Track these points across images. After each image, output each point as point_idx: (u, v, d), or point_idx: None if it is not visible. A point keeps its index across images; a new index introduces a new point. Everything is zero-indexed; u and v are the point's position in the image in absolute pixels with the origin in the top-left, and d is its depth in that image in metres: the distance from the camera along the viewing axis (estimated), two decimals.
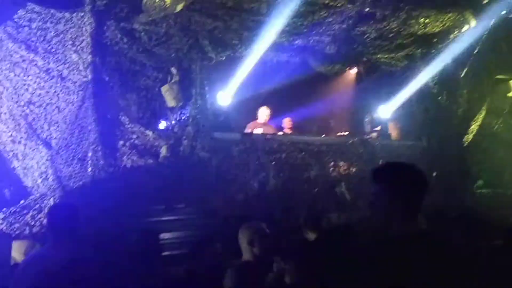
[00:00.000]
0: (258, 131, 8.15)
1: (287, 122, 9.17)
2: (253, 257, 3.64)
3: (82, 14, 6.11)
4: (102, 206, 5.47)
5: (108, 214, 5.49)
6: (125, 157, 5.93)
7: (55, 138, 5.81)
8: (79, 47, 6.01)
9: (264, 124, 8.53)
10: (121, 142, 5.98)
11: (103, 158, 5.76)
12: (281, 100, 9.21)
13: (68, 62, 6.00)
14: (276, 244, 3.88)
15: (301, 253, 3.79)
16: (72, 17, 6.09)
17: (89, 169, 5.74)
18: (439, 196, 6.94)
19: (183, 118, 6.53)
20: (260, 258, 3.61)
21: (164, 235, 6.12)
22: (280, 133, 8.53)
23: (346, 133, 8.69)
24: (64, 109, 5.89)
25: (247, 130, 8.25)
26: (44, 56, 5.98)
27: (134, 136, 6.06)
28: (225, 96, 7.94)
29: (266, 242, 3.70)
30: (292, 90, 9.15)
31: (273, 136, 7.66)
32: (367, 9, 7.46)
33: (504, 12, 8.39)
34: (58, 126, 5.86)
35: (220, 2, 6.79)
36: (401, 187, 2.33)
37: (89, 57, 6.01)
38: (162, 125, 6.56)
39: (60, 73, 5.97)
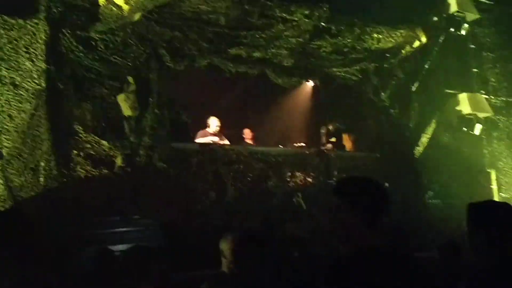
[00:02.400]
0: (207, 139, 8.16)
1: (247, 133, 9.22)
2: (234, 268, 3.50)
3: (37, 21, 5.99)
4: (54, 217, 5.34)
5: (60, 225, 5.36)
6: (79, 167, 5.81)
7: (7, 147, 5.64)
8: (33, 54, 5.88)
9: (214, 134, 8.51)
10: (75, 152, 5.86)
11: (56, 168, 5.63)
12: (239, 111, 9.27)
13: (21, 70, 5.85)
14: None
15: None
16: (26, 24, 5.96)
17: (42, 179, 5.59)
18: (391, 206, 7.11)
19: (139, 127, 6.45)
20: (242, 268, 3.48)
21: (119, 247, 6.03)
22: (225, 142, 8.50)
23: (303, 144, 8.82)
24: (16, 117, 5.73)
25: (197, 138, 8.23)
26: None
27: (89, 146, 5.95)
28: (183, 106, 7.92)
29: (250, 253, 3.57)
30: (250, 101, 9.23)
31: (231, 147, 7.68)
32: (323, 24, 7.63)
33: (452, 29, 8.77)
34: (9, 135, 5.70)
35: (179, 12, 6.80)
36: (361, 200, 2.41)
37: (43, 65, 5.89)
38: (118, 135, 6.46)
39: (12, 80, 5.82)
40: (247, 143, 9.00)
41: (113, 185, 6.05)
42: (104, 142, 6.10)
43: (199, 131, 8.46)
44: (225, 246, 3.47)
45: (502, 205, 2.76)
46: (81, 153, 5.92)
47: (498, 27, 9.63)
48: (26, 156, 5.69)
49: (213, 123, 8.55)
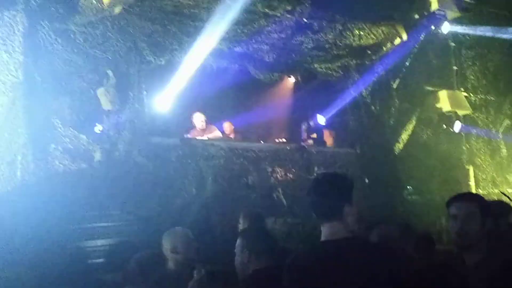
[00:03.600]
0: (206, 135, 8.20)
1: (227, 126, 9.22)
2: (176, 265, 3.55)
3: (15, 13, 5.86)
4: (31, 212, 5.28)
5: (37, 220, 5.30)
6: (56, 161, 5.74)
7: None
8: (10, 46, 5.76)
9: (203, 131, 8.54)
10: (53, 146, 5.78)
11: (33, 162, 5.55)
12: (220, 106, 9.25)
13: (1, 62, 5.74)
14: (202, 250, 3.79)
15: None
16: (4, 15, 5.85)
17: (18, 173, 5.51)
18: (371, 201, 7.20)
19: (119, 122, 6.40)
20: (183, 265, 3.53)
21: (97, 242, 6.00)
22: (218, 136, 8.54)
23: (284, 139, 8.84)
24: None
25: (193, 134, 8.27)
26: None
27: (67, 140, 5.88)
28: (164, 100, 7.87)
29: (190, 249, 3.61)
30: (231, 96, 9.22)
31: (212, 142, 7.67)
32: (305, 20, 7.65)
33: (433, 27, 8.86)
34: None
35: (160, 6, 6.75)
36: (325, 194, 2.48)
37: (21, 57, 5.78)
38: (97, 128, 6.40)
39: None
40: (227, 137, 9.00)
41: (92, 180, 5.99)
42: (82, 136, 6.04)
43: (190, 131, 8.45)
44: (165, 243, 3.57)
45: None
46: (59, 147, 5.85)
47: (478, 25, 9.73)
48: (3, 150, 5.59)
49: (198, 120, 8.55)
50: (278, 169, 7.72)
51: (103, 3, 5.98)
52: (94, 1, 5.98)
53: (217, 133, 8.61)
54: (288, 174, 7.78)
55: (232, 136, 9.13)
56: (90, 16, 6.17)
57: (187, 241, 3.65)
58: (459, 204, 2.67)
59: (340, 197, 2.52)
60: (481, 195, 3.28)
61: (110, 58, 6.52)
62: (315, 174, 7.68)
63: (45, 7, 6.03)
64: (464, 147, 9.47)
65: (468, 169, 9.34)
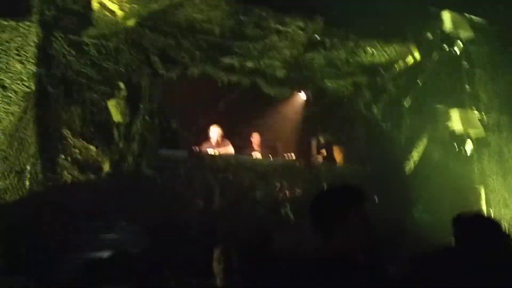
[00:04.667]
0: (216, 149, 8.17)
1: (255, 137, 9.16)
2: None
3: (29, 23, 5.97)
4: (39, 222, 5.30)
5: (45, 230, 5.32)
6: (65, 171, 5.77)
7: None
8: (24, 57, 5.86)
9: (217, 144, 8.51)
10: (62, 156, 5.82)
11: (42, 172, 5.58)
12: (231, 121, 9.25)
13: (11, 72, 5.82)
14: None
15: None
16: (19, 26, 5.94)
17: (27, 183, 5.54)
18: (380, 219, 7.11)
19: (129, 134, 6.42)
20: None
21: (104, 253, 5.98)
22: (230, 152, 8.50)
23: (293, 155, 8.81)
24: (4, 119, 5.69)
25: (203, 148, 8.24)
26: None
27: (76, 151, 5.91)
28: (174, 114, 7.92)
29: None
30: (242, 111, 9.22)
31: (220, 156, 7.67)
32: (317, 37, 7.66)
33: (446, 46, 8.84)
34: None
35: (173, 20, 6.81)
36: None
37: (34, 68, 5.87)
38: (106, 140, 6.42)
39: (2, 82, 5.78)
40: (254, 148, 8.96)
41: (100, 191, 6.00)
42: (92, 147, 6.06)
43: (203, 144, 8.44)
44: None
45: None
46: (68, 158, 5.88)
47: (491, 46, 9.69)
48: (12, 159, 5.64)
49: (214, 133, 8.53)
50: (286, 185, 7.68)
51: (117, 16, 6.05)
52: (108, 14, 6.06)
53: (230, 149, 8.57)
54: (296, 190, 7.73)
55: (258, 148, 9.05)
56: (103, 29, 6.25)
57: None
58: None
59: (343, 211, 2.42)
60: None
61: (122, 70, 6.57)
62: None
63: (59, 18, 6.14)
64: (475, 167, 9.37)
65: (479, 190, 9.22)
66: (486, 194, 9.24)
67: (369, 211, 2.42)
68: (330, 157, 8.81)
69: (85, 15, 6.12)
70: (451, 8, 8.71)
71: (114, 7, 5.98)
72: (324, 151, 8.85)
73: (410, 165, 8.66)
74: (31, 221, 5.33)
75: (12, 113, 5.64)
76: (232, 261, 3.56)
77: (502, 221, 9.02)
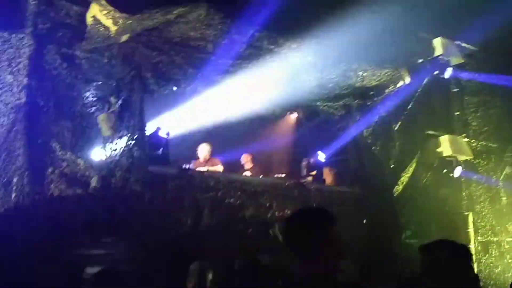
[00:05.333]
0: (205, 167, 8.15)
1: (245, 158, 9.17)
2: None
3: (22, 35, 5.95)
4: (24, 235, 5.20)
5: (30, 244, 5.22)
6: (52, 185, 5.69)
7: None
8: (15, 68, 5.82)
9: (206, 162, 8.50)
10: (50, 169, 5.74)
11: (29, 184, 5.50)
12: (222, 139, 9.23)
13: (1, 83, 5.78)
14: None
15: None
16: (11, 37, 5.92)
17: (13, 195, 5.46)
18: (368, 242, 7.10)
19: (118, 148, 6.37)
20: None
21: (90, 270, 5.87)
22: (219, 169, 8.47)
23: (283, 175, 8.79)
24: None
25: (193, 165, 8.23)
26: None
27: (64, 164, 5.83)
28: (165, 130, 7.88)
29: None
30: (233, 129, 9.21)
31: (210, 174, 7.63)
32: (309, 58, 7.72)
33: (436, 72, 8.95)
34: None
35: (166, 37, 6.83)
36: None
37: (25, 80, 5.82)
38: (95, 154, 6.37)
39: None
40: (246, 169, 8.96)
41: (87, 206, 5.92)
42: (80, 161, 6.00)
43: (192, 162, 8.42)
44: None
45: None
46: (56, 171, 5.80)
47: (480, 72, 9.81)
48: (2, 172, 5.56)
49: (203, 151, 8.53)
50: (275, 205, 7.63)
51: (110, 30, 6.05)
52: (101, 29, 6.06)
53: (219, 167, 8.56)
54: (285, 211, 7.68)
55: (250, 167, 9.05)
56: (96, 43, 6.24)
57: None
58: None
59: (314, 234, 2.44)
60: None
61: (113, 85, 6.55)
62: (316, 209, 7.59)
63: (52, 31, 6.11)
64: (463, 193, 9.39)
65: (467, 215, 9.24)
66: (473, 220, 9.26)
67: (337, 233, 2.43)
68: (320, 178, 8.80)
69: (78, 29, 6.11)
70: (442, 34, 8.84)
71: (108, 22, 5.99)
72: (314, 172, 8.84)
73: (399, 188, 8.67)
74: (17, 234, 5.23)
75: (1, 125, 5.58)
76: (204, 280, 3.51)
77: (489, 247, 9.05)
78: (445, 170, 9.01)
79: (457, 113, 9.68)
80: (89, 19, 6.09)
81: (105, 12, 6.05)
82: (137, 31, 6.38)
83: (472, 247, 8.87)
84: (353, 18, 7.70)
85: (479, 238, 9.27)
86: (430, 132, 9.24)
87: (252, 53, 7.38)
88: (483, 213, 9.50)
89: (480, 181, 9.69)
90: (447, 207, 9.05)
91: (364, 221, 7.98)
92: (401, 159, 8.84)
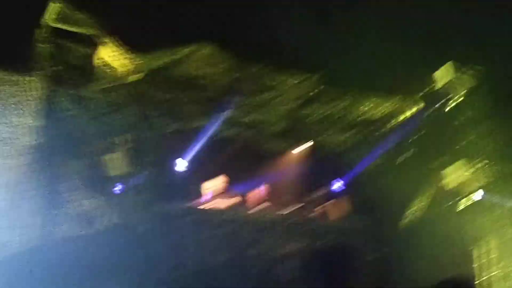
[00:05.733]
0: (216, 202, 8.16)
1: (258, 191, 9.16)
2: None
3: (32, 78, 6.08)
4: (30, 279, 5.21)
5: (42, 284, 5.24)
6: (60, 226, 5.73)
7: None
8: (24, 110, 5.93)
9: (220, 195, 8.49)
10: (57, 211, 5.79)
11: (40, 226, 5.54)
12: (231, 174, 9.23)
13: (11, 125, 5.88)
14: None
15: None
16: (21, 80, 6.06)
17: (27, 237, 5.50)
18: (374, 276, 7.01)
19: (126, 187, 6.42)
20: None
21: None
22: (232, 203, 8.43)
23: (293, 208, 8.74)
24: (4, 174, 5.71)
25: (204, 201, 8.23)
26: None
27: (72, 205, 5.90)
28: (173, 166, 7.93)
29: None
30: (241, 163, 9.22)
31: (221, 209, 7.64)
32: (314, 92, 7.76)
33: (441, 101, 8.94)
34: None
35: (172, 77, 6.93)
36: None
37: (34, 121, 5.93)
38: (104, 194, 6.42)
39: (2, 135, 5.83)
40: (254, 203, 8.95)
41: (96, 245, 5.94)
42: (87, 201, 6.04)
43: (206, 195, 8.43)
44: None
45: None
46: (64, 212, 5.86)
47: (486, 101, 9.78)
48: (12, 214, 5.62)
49: (217, 185, 8.54)
50: (285, 239, 7.59)
51: (117, 72, 6.18)
52: (109, 70, 6.18)
53: (232, 200, 8.56)
54: (295, 244, 7.64)
55: (262, 200, 9.03)
56: (105, 84, 6.36)
57: None
58: None
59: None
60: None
61: (121, 124, 6.63)
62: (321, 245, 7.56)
63: (61, 73, 6.24)
64: (468, 227, 9.24)
65: (472, 250, 9.06)
66: (479, 255, 9.08)
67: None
68: (329, 211, 8.75)
69: (86, 71, 6.24)
70: (445, 63, 8.86)
71: (116, 63, 6.12)
72: (323, 205, 8.80)
73: (408, 221, 8.58)
74: (29, 276, 5.26)
75: (12, 167, 5.66)
76: None
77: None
78: (449, 203, 8.91)
79: (462, 143, 9.61)
80: (97, 61, 6.23)
81: (113, 53, 6.20)
82: (143, 72, 6.49)
83: (478, 281, 8.70)
84: (360, 48, 7.80)
85: (483, 272, 9.07)
86: (437, 162, 9.17)
87: (257, 88, 7.44)
88: (489, 247, 9.31)
89: (485, 214, 9.50)
90: (451, 241, 8.89)
91: (376, 253, 7.89)
92: (409, 190, 8.77)
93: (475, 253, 8.94)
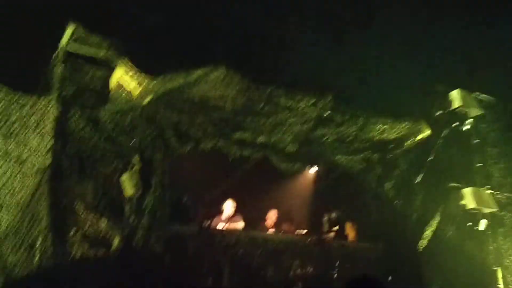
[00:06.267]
0: (228, 223, 8.14)
1: (272, 215, 9.14)
2: None
3: (49, 99, 6.18)
4: None
5: None
6: (75, 246, 5.73)
7: (5, 222, 5.62)
8: (41, 131, 6.01)
9: (228, 219, 8.49)
10: (73, 231, 5.81)
11: (52, 246, 5.56)
12: (242, 195, 9.24)
13: (28, 146, 5.95)
14: None
15: None
16: (38, 102, 6.15)
17: (37, 258, 5.51)
18: None
19: (140, 208, 6.43)
20: None
21: None
22: (240, 227, 8.43)
23: (304, 231, 8.70)
24: (19, 193, 5.75)
25: (216, 222, 8.23)
26: (4, 138, 5.93)
27: (87, 225, 5.91)
28: (186, 187, 7.95)
29: None
30: (252, 186, 9.23)
31: (231, 231, 7.61)
32: (327, 113, 7.78)
33: (455, 124, 8.91)
34: (9, 210, 5.70)
35: (187, 97, 6.99)
36: None
37: (51, 142, 5.99)
38: (117, 215, 6.42)
39: (19, 156, 5.91)
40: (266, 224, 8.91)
41: (108, 267, 5.93)
42: (102, 221, 6.05)
43: (213, 218, 8.40)
44: None
45: None
46: (79, 232, 5.86)
47: (501, 123, 9.74)
48: (24, 232, 5.65)
49: (228, 207, 8.55)
50: (297, 262, 7.53)
51: (132, 94, 6.24)
52: (123, 93, 6.25)
53: (240, 224, 8.54)
54: (307, 268, 7.57)
55: (270, 224, 9.01)
56: (120, 106, 6.42)
57: None
58: None
59: None
60: None
61: (136, 145, 6.68)
62: (335, 269, 7.49)
63: (77, 95, 6.33)
64: (491, 247, 9.12)
65: (496, 271, 8.93)
66: (503, 276, 8.94)
67: None
68: (342, 234, 8.68)
69: (103, 92, 6.32)
70: (459, 85, 8.87)
71: (131, 86, 6.19)
72: (335, 228, 8.74)
73: (423, 243, 8.48)
74: None
75: (27, 187, 5.71)
76: None
77: None
78: (469, 223, 8.80)
79: (479, 164, 9.55)
80: (113, 83, 6.31)
81: (129, 75, 6.27)
82: (158, 93, 6.55)
83: None
84: (374, 70, 7.83)
85: None
86: (452, 184, 9.09)
87: (270, 110, 7.45)
88: None
89: (507, 234, 9.41)
90: (473, 262, 8.76)
91: (389, 278, 7.78)
92: (424, 212, 8.67)
93: (499, 273, 8.80)
